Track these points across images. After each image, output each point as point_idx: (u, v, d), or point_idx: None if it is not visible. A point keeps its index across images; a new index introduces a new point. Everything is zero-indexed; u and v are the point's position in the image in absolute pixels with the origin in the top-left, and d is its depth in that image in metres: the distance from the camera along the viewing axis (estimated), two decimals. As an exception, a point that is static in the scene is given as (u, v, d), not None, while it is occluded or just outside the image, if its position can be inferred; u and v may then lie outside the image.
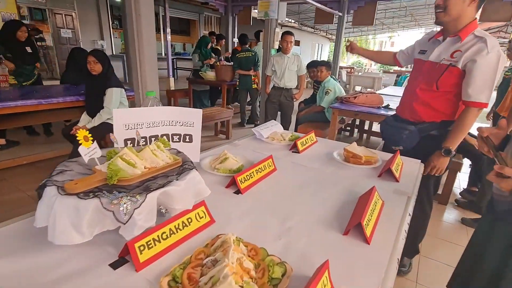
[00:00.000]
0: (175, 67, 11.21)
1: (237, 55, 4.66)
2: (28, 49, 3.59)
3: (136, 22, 2.14)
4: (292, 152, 1.44)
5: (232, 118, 5.29)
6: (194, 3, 10.19)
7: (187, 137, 1.03)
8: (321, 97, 3.58)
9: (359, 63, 26.49)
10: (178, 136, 1.03)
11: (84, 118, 2.74)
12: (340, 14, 6.07)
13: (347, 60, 31.07)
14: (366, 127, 4.73)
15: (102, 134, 2.68)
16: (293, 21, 13.12)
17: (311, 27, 15.26)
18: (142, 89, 2.32)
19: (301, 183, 1.11)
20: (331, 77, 3.79)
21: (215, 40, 6.35)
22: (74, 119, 2.82)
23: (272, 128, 1.64)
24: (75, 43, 9.54)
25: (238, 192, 0.99)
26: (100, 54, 2.62)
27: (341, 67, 15.29)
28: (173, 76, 9.95)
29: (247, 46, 4.78)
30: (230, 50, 7.33)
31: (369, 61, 35.95)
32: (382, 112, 2.87)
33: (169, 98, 5.46)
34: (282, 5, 3.70)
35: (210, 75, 4.93)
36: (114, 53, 10.36)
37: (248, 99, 4.90)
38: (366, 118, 3.17)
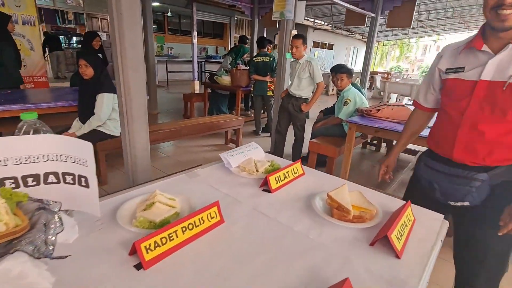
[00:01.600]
0: (203, 70, 11.24)
1: (254, 59, 4.36)
2: (100, 56, 4.00)
3: (117, 22, 1.91)
4: (263, 190, 1.08)
5: (247, 126, 5.02)
6: (224, 6, 10.07)
7: (83, 179, 0.73)
8: (339, 108, 3.14)
9: (398, 68, 24.94)
10: (71, 177, 0.73)
11: (76, 124, 2.60)
12: (373, 15, 5.52)
13: (386, 64, 29.43)
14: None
15: (93, 142, 2.51)
16: (326, 23, 12.55)
17: (346, 30, 14.54)
18: (125, 97, 2.08)
19: (253, 248, 0.76)
20: (353, 85, 3.33)
21: (271, 47, 5.80)
22: (66, 125, 2.69)
23: (247, 154, 1.29)
24: (109, 46, 9.90)
25: (140, 266, 0.66)
26: (91, 57, 2.46)
27: (376, 72, 14.39)
28: (199, 79, 9.96)
29: (265, 50, 4.44)
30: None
31: (412, 65, 33.78)
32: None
33: (186, 102, 5.31)
34: (300, 5, 3.33)
35: (225, 80, 4.68)
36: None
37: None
38: (389, 137, 2.66)
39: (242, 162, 1.24)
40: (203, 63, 11.39)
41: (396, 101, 10.43)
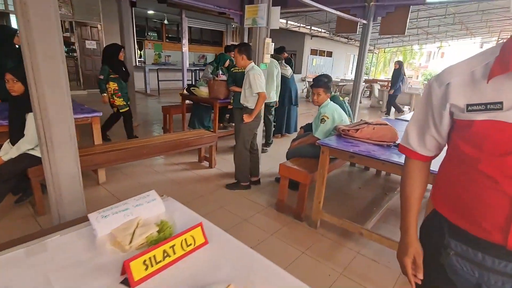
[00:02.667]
0: (197, 79, 10.98)
1: (232, 69, 4.03)
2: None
3: (25, 30, 1.58)
4: (121, 283, 0.72)
5: (229, 141, 4.67)
6: (215, 14, 9.83)
7: None
8: (316, 125, 2.78)
9: (401, 75, 24.52)
10: None
11: (5, 147, 2.27)
12: (365, 22, 5.19)
13: (389, 71, 28.98)
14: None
15: (22, 167, 2.18)
16: (323, 31, 12.26)
17: (345, 37, 14.23)
18: (42, 119, 1.75)
19: None
20: (333, 99, 2.98)
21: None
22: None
23: (134, 211, 0.93)
24: (99, 54, 9.72)
25: None
26: (20, 71, 2.14)
27: (375, 80, 14.01)
28: (191, 88, 9.69)
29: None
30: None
31: (416, 72, 33.25)
32: (393, 157, 2.00)
33: (164, 115, 4.99)
34: (274, 11, 3.01)
35: (202, 91, 4.35)
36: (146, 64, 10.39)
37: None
38: (366, 164, 2.25)
39: (119, 226, 0.88)
40: (197, 71, 11.14)
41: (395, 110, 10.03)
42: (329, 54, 16.03)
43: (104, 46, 3.98)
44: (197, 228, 0.85)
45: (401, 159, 1.94)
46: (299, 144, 2.97)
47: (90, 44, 9.52)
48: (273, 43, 3.12)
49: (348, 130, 2.39)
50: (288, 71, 5.14)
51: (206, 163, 3.72)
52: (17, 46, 3.45)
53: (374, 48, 17.92)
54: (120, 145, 2.86)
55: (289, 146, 3.12)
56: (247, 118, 2.91)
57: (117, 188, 2.91)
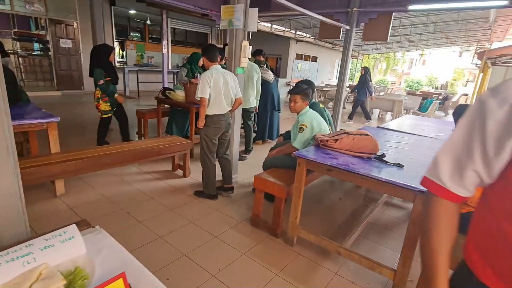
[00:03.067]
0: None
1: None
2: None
3: None
4: None
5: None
6: (197, 15, 9.61)
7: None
8: (294, 134, 2.62)
9: (383, 81, 25.02)
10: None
11: None
12: (348, 27, 5.12)
13: (372, 78, 29.51)
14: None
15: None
16: (308, 35, 12.26)
17: (329, 43, 14.31)
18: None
19: None
20: (313, 106, 2.84)
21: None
22: None
23: (39, 256, 0.71)
24: (75, 54, 9.27)
25: None
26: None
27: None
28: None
29: (221, 62, 3.91)
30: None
31: (399, 79, 33.88)
32: (373, 171, 1.85)
33: (139, 119, 4.72)
34: (252, 12, 2.83)
35: (179, 95, 4.12)
36: (127, 64, 9.98)
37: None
38: (344, 178, 2.05)
39: (11, 281, 0.66)
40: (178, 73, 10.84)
41: (378, 117, 10.09)
42: (314, 59, 16.09)
43: (93, 46, 3.72)
44: (118, 280, 0.65)
45: (381, 173, 1.80)
46: (276, 154, 2.80)
47: (65, 43, 9.08)
48: (251, 46, 2.95)
49: (327, 141, 2.24)
50: (270, 75, 4.99)
51: (180, 172, 3.49)
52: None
53: (359, 54, 18.15)
54: (81, 153, 2.59)
55: (267, 155, 2.95)
56: (198, 123, 2.68)
57: (76, 201, 2.64)
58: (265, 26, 9.95)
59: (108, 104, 3.80)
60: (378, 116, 10.20)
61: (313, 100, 3.11)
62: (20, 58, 9.97)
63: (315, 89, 2.94)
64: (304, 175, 2.09)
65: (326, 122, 2.90)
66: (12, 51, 10.17)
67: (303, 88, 2.60)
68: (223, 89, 2.66)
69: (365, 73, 7.93)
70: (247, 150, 4.57)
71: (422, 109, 8.92)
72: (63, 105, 7.49)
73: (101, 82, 3.63)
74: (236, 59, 2.91)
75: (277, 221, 2.32)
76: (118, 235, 2.22)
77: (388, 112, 10.03)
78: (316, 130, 2.53)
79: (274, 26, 10.39)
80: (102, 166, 2.61)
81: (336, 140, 2.22)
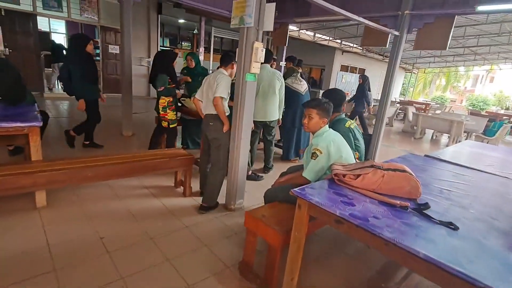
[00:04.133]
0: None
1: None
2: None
3: None
4: None
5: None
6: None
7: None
8: (307, 161, 2.03)
9: (442, 98, 22.60)
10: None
11: None
12: (397, 33, 4.36)
13: (429, 93, 26.86)
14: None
15: None
16: (355, 45, 11.39)
17: (380, 54, 13.21)
18: None
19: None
20: (335, 124, 2.24)
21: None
22: None
23: None
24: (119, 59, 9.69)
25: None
26: None
27: (410, 102, 12.73)
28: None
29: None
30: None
31: (460, 96, 30.57)
32: (407, 236, 1.20)
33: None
34: (268, 9, 2.34)
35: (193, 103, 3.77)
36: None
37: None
38: (359, 238, 1.33)
39: None
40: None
41: (431, 138, 8.81)
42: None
43: (158, 52, 3.65)
44: None
45: (418, 241, 1.14)
46: (284, 182, 2.23)
47: (113, 49, 9.52)
48: (264, 49, 2.45)
49: (344, 175, 1.62)
50: (303, 86, 4.43)
51: (181, 189, 3.08)
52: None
53: (413, 68, 16.57)
54: (63, 163, 2.31)
55: (274, 182, 2.38)
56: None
57: (53, 218, 2.34)
58: (308, 35, 9.40)
59: (175, 112, 3.61)
60: (432, 137, 8.90)
61: (342, 115, 2.48)
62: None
63: (343, 103, 2.31)
64: (306, 222, 1.50)
65: (352, 146, 2.26)
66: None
67: (321, 102, 2.01)
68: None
69: (364, 82, 7.01)
70: (267, 168, 4.03)
71: (489, 133, 7.52)
72: (108, 107, 7.67)
73: (162, 88, 3.43)
74: (246, 64, 2.43)
75: (271, 276, 1.74)
76: (79, 268, 1.83)
77: (444, 134, 8.71)
78: (335, 157, 1.92)
79: (317, 35, 9.80)
80: (81, 180, 2.29)
81: (358, 175, 1.60)
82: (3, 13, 7.14)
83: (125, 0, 4.63)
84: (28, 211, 2.37)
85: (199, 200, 2.91)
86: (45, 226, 2.22)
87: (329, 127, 2.09)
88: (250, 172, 3.59)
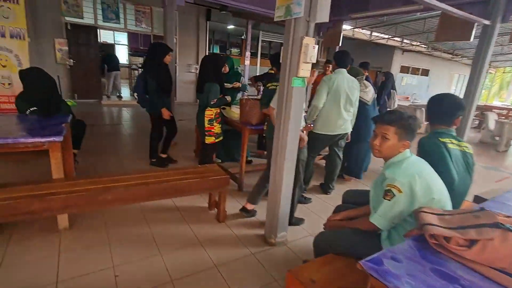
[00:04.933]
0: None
1: (268, 85, 2.94)
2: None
3: None
4: None
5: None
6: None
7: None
8: (376, 199, 1.44)
9: (525, 102, 19.22)
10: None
11: None
12: (487, 22, 3.44)
13: (507, 97, 23.01)
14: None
15: None
16: (419, 43, 10.09)
17: (448, 52, 11.56)
18: None
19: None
20: (430, 142, 1.60)
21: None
22: None
23: None
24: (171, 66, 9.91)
25: None
26: None
27: (489, 107, 10.83)
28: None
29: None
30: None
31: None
32: None
33: (197, 136, 4.21)
34: (323, -6, 1.81)
35: (234, 112, 3.38)
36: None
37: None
38: None
39: None
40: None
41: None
42: (425, 72, 13.40)
43: (206, 56, 3.31)
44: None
45: None
46: (342, 224, 1.65)
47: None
48: (316, 46, 1.91)
49: (449, 239, 1.01)
50: (369, 94, 3.70)
51: (215, 213, 2.68)
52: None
53: (490, 66, 14.31)
54: (84, 182, 2.05)
55: (326, 221, 1.81)
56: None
57: (72, 243, 2.10)
58: (364, 33, 8.52)
59: (220, 125, 3.25)
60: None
61: (449, 129, 1.72)
62: (132, 71, 11.31)
63: (458, 114, 1.61)
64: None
65: (454, 181, 1.57)
66: (127, 65, 11.73)
67: (403, 116, 1.40)
68: None
69: (387, 80, 5.65)
70: (328, 188, 3.42)
71: None
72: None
73: (215, 101, 3.06)
74: (293, 65, 1.92)
75: None
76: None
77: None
78: (422, 200, 1.29)
79: (374, 33, 8.84)
80: (100, 205, 2.00)
81: (472, 241, 0.97)
82: (69, 27, 7.71)
83: (168, 6, 4.46)
84: (49, 234, 2.16)
85: (234, 227, 2.47)
86: (61, 253, 1.97)
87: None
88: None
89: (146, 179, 2.21)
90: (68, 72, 7.95)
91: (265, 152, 4.56)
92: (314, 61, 1.92)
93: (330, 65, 4.56)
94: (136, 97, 3.48)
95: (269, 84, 2.92)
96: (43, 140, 1.97)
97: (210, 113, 3.12)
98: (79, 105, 7.59)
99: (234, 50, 12.38)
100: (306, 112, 3.57)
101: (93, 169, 3.51)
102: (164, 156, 3.80)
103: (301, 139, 2.30)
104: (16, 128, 2.14)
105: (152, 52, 3.39)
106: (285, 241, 2.33)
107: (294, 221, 2.56)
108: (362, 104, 3.55)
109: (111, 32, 13.52)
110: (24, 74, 2.58)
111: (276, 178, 2.17)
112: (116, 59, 9.06)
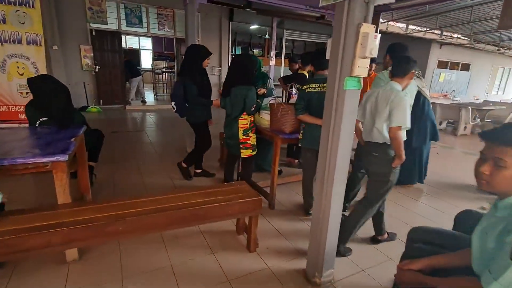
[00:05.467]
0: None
1: (305, 88, 2.50)
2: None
3: None
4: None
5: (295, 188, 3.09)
6: (314, 21, 8.38)
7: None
8: (484, 259, 0.96)
9: None
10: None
11: None
12: None
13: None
14: None
15: None
16: (460, 35, 9.16)
17: (494, 44, 10.46)
18: None
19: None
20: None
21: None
22: None
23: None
24: (193, 69, 9.71)
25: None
26: None
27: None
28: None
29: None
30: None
31: None
32: None
33: (222, 144, 3.87)
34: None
35: (263, 118, 2.97)
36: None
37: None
38: None
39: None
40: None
41: None
42: (465, 67, 12.29)
43: (237, 56, 3.03)
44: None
45: None
46: (424, 278, 1.18)
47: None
48: (378, 35, 1.46)
49: None
50: (427, 89, 3.28)
51: (244, 238, 2.29)
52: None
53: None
54: (91, 209, 1.74)
55: (396, 277, 1.35)
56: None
57: (82, 279, 1.79)
58: (400, 27, 7.82)
59: (255, 135, 2.89)
60: None
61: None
62: (156, 75, 11.27)
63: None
64: None
65: None
66: (150, 70, 11.74)
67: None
68: None
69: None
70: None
71: None
72: (172, 119, 7.61)
73: (254, 107, 2.73)
74: (345, 62, 1.48)
75: None
76: None
77: None
78: None
79: (410, 26, 8.10)
80: (109, 236, 1.67)
81: None
82: (94, 33, 7.71)
83: (189, 5, 4.17)
84: (56, 267, 1.87)
85: (267, 258, 2.07)
86: (69, 292, 1.67)
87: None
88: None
89: (164, 203, 1.86)
90: (94, 78, 7.95)
91: (297, 161, 4.12)
92: (375, 55, 1.46)
93: (373, 65, 4.03)
94: (174, 106, 3.07)
95: (305, 86, 2.50)
96: (44, 160, 1.68)
97: (244, 122, 2.74)
98: (104, 111, 7.55)
99: (257, 51, 12.02)
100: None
101: (112, 182, 3.25)
102: (198, 171, 3.49)
103: (398, 156, 1.91)
104: (19, 145, 1.87)
105: (191, 55, 3.04)
106: (331, 280, 1.88)
107: (342, 250, 2.11)
108: (424, 101, 3.12)
109: (136, 37, 13.73)
110: (32, 81, 2.35)
111: (322, 204, 1.73)
112: (135, 65, 8.98)
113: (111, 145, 4.53)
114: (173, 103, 3.08)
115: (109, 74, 8.20)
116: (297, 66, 4.11)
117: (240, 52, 12.43)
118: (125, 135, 5.29)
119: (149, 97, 10.24)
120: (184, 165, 3.36)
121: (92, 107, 7.51)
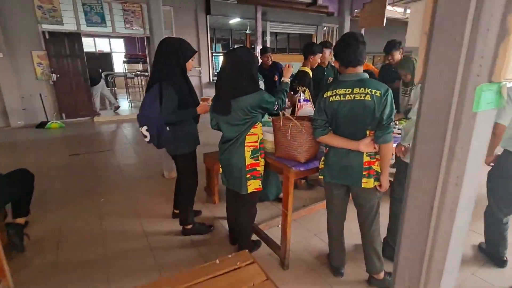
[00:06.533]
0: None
1: (327, 94, 1.62)
2: None
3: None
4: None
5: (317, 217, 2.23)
6: (303, 9, 7.50)
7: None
8: None
9: None
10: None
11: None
12: None
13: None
14: None
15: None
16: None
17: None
18: None
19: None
20: None
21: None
22: None
23: None
24: (170, 71, 8.69)
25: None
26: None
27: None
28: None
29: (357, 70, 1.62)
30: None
31: None
32: None
33: (207, 170, 2.97)
34: None
35: (268, 141, 2.08)
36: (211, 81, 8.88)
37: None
38: None
39: None
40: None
41: None
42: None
43: (230, 53, 1.89)
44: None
45: None
46: None
47: (161, 61, 8.53)
48: None
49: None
50: None
51: None
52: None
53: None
54: None
55: None
56: None
57: None
58: (397, 11, 7.08)
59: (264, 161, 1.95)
60: None
61: None
62: (131, 80, 10.14)
63: None
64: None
65: None
66: (122, 74, 10.58)
67: None
68: None
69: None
70: None
71: None
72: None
73: (277, 107, 1.83)
74: (481, 47, 0.62)
75: None
76: None
77: None
78: None
79: (408, 10, 7.37)
80: None
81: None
82: (47, 36, 6.57)
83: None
84: None
85: None
86: None
87: None
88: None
89: None
90: (52, 89, 6.81)
91: (303, 181, 3.28)
92: None
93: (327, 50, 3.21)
94: (145, 133, 1.95)
95: (328, 93, 1.61)
96: None
97: (253, 138, 1.82)
98: (68, 126, 6.46)
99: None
100: (396, 124, 2.31)
101: (57, 237, 2.30)
102: (177, 212, 2.51)
103: None
104: None
105: (169, 52, 1.99)
106: None
107: None
108: None
109: (106, 39, 12.44)
110: None
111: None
112: (93, 72, 7.76)
113: (64, 178, 3.53)
114: (144, 128, 1.95)
115: (71, 83, 7.07)
116: (269, 60, 3.42)
117: (220, 49, 11.48)
118: (87, 158, 4.28)
119: (123, 104, 9.14)
120: (190, 225, 2.36)
121: (52, 122, 6.38)
